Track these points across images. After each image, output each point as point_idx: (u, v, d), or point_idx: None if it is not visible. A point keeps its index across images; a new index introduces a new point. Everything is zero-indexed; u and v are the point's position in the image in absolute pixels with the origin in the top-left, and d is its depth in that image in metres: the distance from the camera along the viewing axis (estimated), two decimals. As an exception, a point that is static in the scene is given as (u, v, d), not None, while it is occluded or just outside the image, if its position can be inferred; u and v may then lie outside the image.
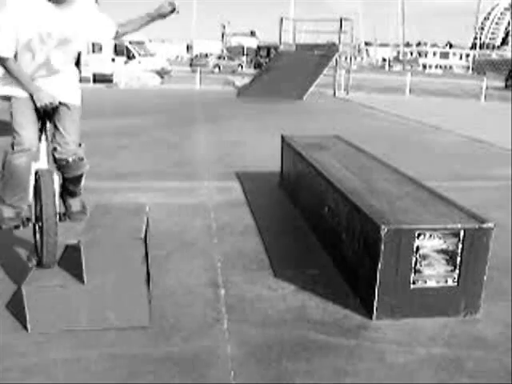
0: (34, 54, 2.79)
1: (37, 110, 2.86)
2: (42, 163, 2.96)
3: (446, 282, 2.98)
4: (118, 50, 24.57)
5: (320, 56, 19.14)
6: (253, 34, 70.98)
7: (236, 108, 14.80)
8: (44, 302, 2.73)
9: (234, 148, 8.40)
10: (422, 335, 2.83)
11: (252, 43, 57.29)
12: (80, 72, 23.58)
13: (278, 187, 5.89)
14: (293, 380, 2.43)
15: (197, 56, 45.92)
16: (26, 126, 2.83)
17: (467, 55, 61.90)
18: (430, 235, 2.90)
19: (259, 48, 47.31)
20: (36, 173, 2.90)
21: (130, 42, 24.79)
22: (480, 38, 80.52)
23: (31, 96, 2.82)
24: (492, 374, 2.52)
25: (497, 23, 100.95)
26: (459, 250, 2.94)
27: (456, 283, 2.99)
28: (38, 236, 3.01)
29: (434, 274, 2.96)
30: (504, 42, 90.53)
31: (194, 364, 2.52)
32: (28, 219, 3.04)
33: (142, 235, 2.79)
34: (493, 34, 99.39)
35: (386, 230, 2.85)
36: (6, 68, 2.78)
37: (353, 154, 5.00)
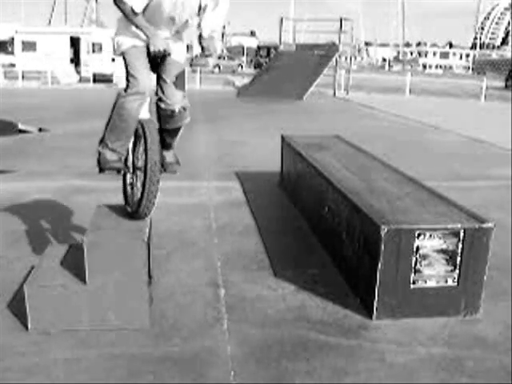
0: (162, 15, 2.87)
1: (149, 58, 2.91)
2: (144, 113, 3.00)
3: (446, 281, 2.98)
4: (118, 50, 24.54)
5: (320, 56, 19.14)
6: (253, 34, 70.97)
7: (236, 108, 14.80)
8: (45, 302, 2.73)
9: (234, 148, 8.39)
10: (422, 335, 2.83)
11: (252, 43, 57.28)
12: (80, 72, 23.69)
13: (278, 187, 5.89)
14: (293, 380, 2.43)
15: (197, 56, 45.85)
16: (142, 71, 2.88)
17: (467, 55, 61.87)
18: (430, 235, 2.90)
19: (259, 48, 47.34)
20: (141, 122, 2.97)
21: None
22: (480, 38, 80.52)
23: (146, 45, 2.86)
24: (492, 374, 2.52)
25: (497, 23, 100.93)
26: (459, 250, 2.95)
27: (456, 283, 2.99)
28: (132, 186, 3.13)
29: (434, 274, 2.96)
30: (504, 41, 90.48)
31: (194, 364, 2.52)
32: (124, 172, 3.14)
33: (145, 236, 2.79)
34: (493, 34, 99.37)
35: (386, 230, 2.85)
36: (128, 16, 2.82)
37: (353, 154, 5.00)
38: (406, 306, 2.98)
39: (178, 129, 3.16)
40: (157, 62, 2.95)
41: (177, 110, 3.04)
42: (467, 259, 2.96)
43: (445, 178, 6.37)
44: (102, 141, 3.08)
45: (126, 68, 2.92)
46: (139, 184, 3.03)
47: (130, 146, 3.11)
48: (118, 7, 2.82)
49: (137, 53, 2.90)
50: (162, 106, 3.04)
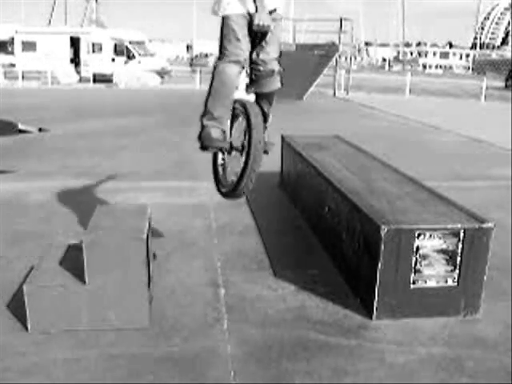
0: None
1: (249, 29, 2.91)
2: (244, 95, 3.08)
3: (446, 281, 2.98)
4: (117, 50, 24.60)
5: (320, 56, 19.12)
6: (253, 34, 70.79)
7: (236, 108, 14.77)
8: (45, 302, 2.73)
9: (234, 148, 8.38)
10: (422, 335, 2.83)
11: (252, 43, 57.13)
12: (80, 72, 23.69)
13: (278, 187, 5.89)
14: (293, 380, 2.43)
15: (197, 56, 45.91)
16: (242, 40, 2.91)
17: (467, 55, 61.85)
18: (430, 235, 2.90)
19: (259, 48, 47.20)
20: (235, 101, 3.01)
21: (130, 42, 24.81)
22: (480, 38, 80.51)
23: (249, 16, 2.87)
24: (492, 374, 2.52)
25: (497, 23, 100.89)
26: (459, 250, 2.95)
27: (456, 283, 2.99)
28: (224, 167, 3.17)
29: (434, 274, 2.96)
30: (504, 41, 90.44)
31: (194, 364, 2.52)
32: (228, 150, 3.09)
33: (144, 236, 2.79)
34: (493, 34, 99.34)
35: (386, 230, 2.85)
36: None
37: (353, 154, 5.00)
38: (406, 305, 2.98)
39: (273, 94, 3.18)
40: (256, 35, 2.95)
41: (276, 70, 3.09)
42: (467, 259, 2.96)
43: (445, 178, 6.36)
44: (204, 113, 3.04)
45: (225, 34, 2.92)
46: (234, 164, 3.05)
47: (228, 123, 3.09)
48: None
49: (242, 22, 2.90)
50: (261, 68, 3.06)
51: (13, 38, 24.55)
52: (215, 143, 3.00)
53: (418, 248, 2.91)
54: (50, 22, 41.14)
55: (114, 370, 2.45)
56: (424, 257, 2.93)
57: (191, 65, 41.15)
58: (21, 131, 9.01)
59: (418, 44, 78.69)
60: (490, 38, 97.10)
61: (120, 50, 24.58)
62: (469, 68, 57.19)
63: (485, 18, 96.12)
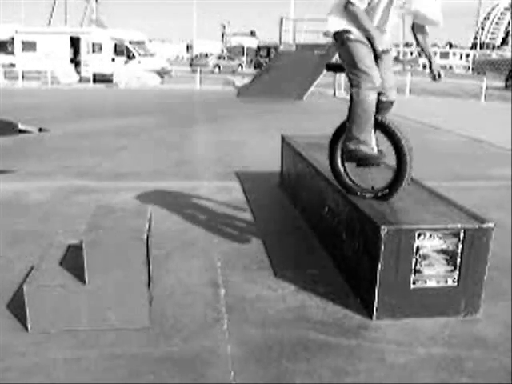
0: (376, 12, 3.14)
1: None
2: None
3: (446, 282, 2.98)
4: (117, 50, 24.60)
5: (320, 56, 19.12)
6: (253, 34, 70.90)
7: (236, 108, 14.80)
8: (45, 302, 2.73)
9: (234, 148, 8.39)
10: (422, 335, 2.83)
11: (252, 43, 57.22)
12: (80, 72, 23.70)
13: (278, 187, 5.89)
14: (293, 380, 2.43)
15: (197, 56, 45.87)
16: (373, 67, 3.13)
17: (467, 55, 61.79)
18: (430, 235, 2.90)
19: (259, 48, 47.29)
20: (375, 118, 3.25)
21: (130, 42, 24.82)
22: (480, 38, 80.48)
23: (369, 40, 3.10)
24: (492, 373, 2.52)
25: (497, 23, 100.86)
26: (459, 250, 2.94)
27: (456, 283, 2.99)
28: (347, 175, 3.53)
29: (434, 274, 2.96)
30: (504, 41, 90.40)
31: (194, 364, 2.52)
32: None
33: (144, 236, 2.79)
34: (493, 34, 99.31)
35: (386, 230, 2.85)
36: (352, 13, 3.09)
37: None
38: (406, 305, 2.98)
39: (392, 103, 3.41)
40: (378, 57, 3.15)
41: (394, 101, 3.35)
42: (467, 259, 2.96)
43: (445, 178, 6.36)
44: (349, 139, 3.32)
45: (355, 62, 3.14)
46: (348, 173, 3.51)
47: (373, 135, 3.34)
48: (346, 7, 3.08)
49: (365, 49, 3.13)
50: (383, 98, 3.29)
51: (13, 38, 24.55)
52: (370, 161, 3.33)
53: (418, 248, 2.91)
54: (50, 21, 41.10)
55: (114, 370, 2.45)
56: (424, 257, 2.93)
57: (191, 65, 41.13)
58: (21, 131, 9.01)
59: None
60: (490, 38, 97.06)
61: (120, 50, 24.59)
62: (469, 68, 57.15)
63: (485, 18, 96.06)
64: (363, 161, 3.35)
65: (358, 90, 3.16)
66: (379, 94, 3.24)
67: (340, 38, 3.21)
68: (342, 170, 3.62)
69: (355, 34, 3.14)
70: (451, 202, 3.39)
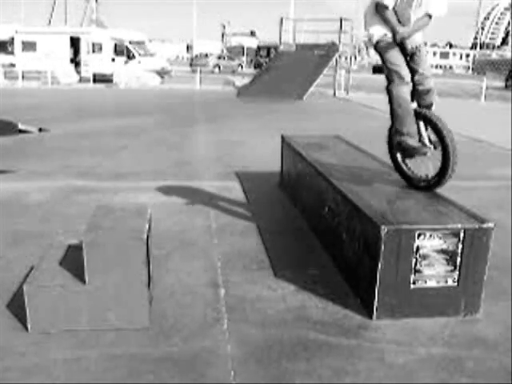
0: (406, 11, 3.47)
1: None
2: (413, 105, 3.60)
3: (446, 282, 2.98)
4: (117, 50, 24.60)
5: (320, 56, 19.13)
6: (253, 34, 70.90)
7: (236, 108, 14.80)
8: (45, 302, 2.73)
9: (234, 148, 8.39)
10: (422, 335, 2.83)
11: (252, 43, 57.21)
12: (80, 72, 23.70)
13: (278, 187, 5.89)
14: (293, 380, 2.43)
15: (197, 56, 45.87)
16: (403, 65, 3.50)
17: (467, 55, 61.78)
18: (430, 235, 2.90)
19: (259, 48, 47.26)
20: (414, 110, 3.56)
21: (130, 42, 24.82)
22: (480, 38, 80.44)
23: (394, 40, 3.45)
24: (492, 374, 2.52)
25: (497, 23, 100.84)
26: (459, 250, 2.94)
27: (456, 283, 2.99)
28: (406, 164, 3.74)
29: (434, 274, 2.96)
30: (504, 41, 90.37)
31: (194, 364, 2.52)
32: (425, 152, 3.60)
33: (144, 236, 2.79)
34: (493, 34, 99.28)
35: (386, 230, 2.85)
36: (383, 15, 3.47)
37: (353, 154, 5.00)
38: (406, 305, 2.98)
39: (431, 105, 3.67)
40: (408, 53, 3.50)
41: (433, 87, 3.63)
42: (467, 259, 2.96)
43: (445, 178, 6.35)
44: (395, 133, 3.68)
45: (387, 63, 3.53)
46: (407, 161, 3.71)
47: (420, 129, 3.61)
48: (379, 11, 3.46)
49: (395, 50, 3.51)
50: (420, 87, 3.59)
51: (13, 38, 24.55)
52: (419, 151, 3.57)
53: (418, 248, 2.91)
54: (50, 21, 41.13)
55: (114, 370, 2.45)
56: (424, 257, 2.93)
57: (191, 65, 41.14)
58: (21, 131, 9.01)
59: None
60: (490, 38, 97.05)
61: (120, 50, 24.58)
62: (469, 68, 57.14)
63: (485, 18, 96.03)
64: (408, 151, 3.63)
65: (392, 88, 3.52)
66: (416, 84, 3.57)
67: (378, 43, 3.59)
68: (401, 161, 3.82)
69: (387, 37, 3.51)
70: (451, 202, 3.39)
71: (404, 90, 3.51)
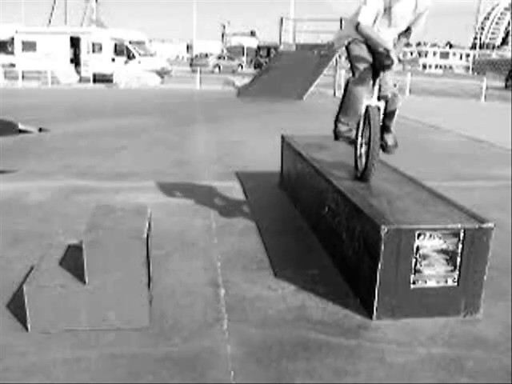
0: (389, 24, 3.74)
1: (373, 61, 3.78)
2: (374, 101, 3.79)
3: (446, 282, 2.98)
4: (117, 50, 24.61)
5: (320, 56, 19.12)
6: (253, 34, 70.92)
7: (236, 108, 14.80)
8: (45, 302, 2.73)
9: (234, 148, 8.40)
10: (422, 335, 2.83)
11: (252, 43, 57.24)
12: (80, 72, 23.71)
13: (278, 187, 5.89)
14: (293, 380, 2.43)
15: (197, 56, 45.90)
16: (367, 66, 3.78)
17: (467, 55, 61.82)
18: (430, 235, 2.90)
19: (259, 48, 47.30)
20: (367, 107, 3.75)
21: (130, 42, 24.82)
22: (480, 38, 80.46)
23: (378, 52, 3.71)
24: (492, 374, 2.52)
25: (497, 23, 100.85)
26: (459, 250, 2.94)
27: (456, 283, 2.99)
28: (361, 155, 3.93)
29: (434, 274, 2.96)
30: (504, 41, 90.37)
31: (194, 364, 2.52)
32: (353, 141, 4.03)
33: (144, 236, 2.79)
34: (493, 34, 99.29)
35: (385, 230, 2.85)
36: (363, 32, 3.66)
37: (353, 154, 4.99)
38: (406, 305, 2.98)
39: (394, 112, 3.94)
40: (384, 66, 3.70)
41: (390, 96, 3.83)
42: (467, 259, 2.96)
43: (445, 178, 6.37)
44: (336, 119, 4.09)
45: (353, 61, 3.85)
46: (364, 156, 3.85)
47: (361, 125, 3.89)
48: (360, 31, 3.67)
49: (361, 50, 3.81)
50: (380, 94, 3.81)
51: (13, 38, 24.56)
52: (342, 134, 4.07)
53: (418, 248, 2.91)
54: (50, 21, 41.13)
55: (114, 370, 2.45)
56: (424, 257, 2.93)
57: (191, 65, 41.16)
58: (21, 131, 9.02)
59: (418, 44, 78.68)
60: (490, 38, 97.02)
61: (120, 50, 24.60)
62: (469, 68, 57.14)
63: (485, 18, 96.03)
64: (337, 135, 4.14)
65: (350, 82, 3.88)
66: (379, 89, 3.82)
67: (350, 44, 3.91)
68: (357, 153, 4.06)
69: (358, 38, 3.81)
70: (451, 201, 3.39)
71: (358, 89, 3.81)
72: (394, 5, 3.63)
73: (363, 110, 3.80)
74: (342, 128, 4.04)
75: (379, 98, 3.81)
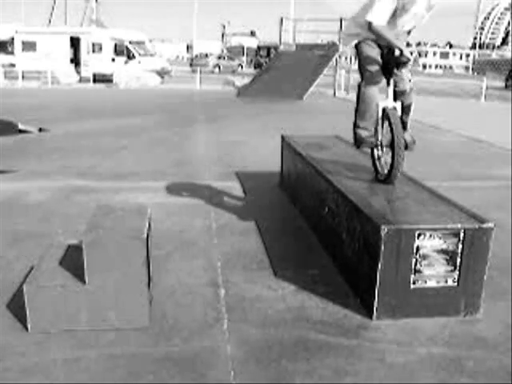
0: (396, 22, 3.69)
1: (385, 58, 3.73)
2: (390, 102, 3.75)
3: (446, 282, 2.98)
4: (117, 50, 24.63)
5: (320, 56, 19.12)
6: (253, 34, 70.94)
7: (236, 108, 14.80)
8: (45, 302, 2.73)
9: (234, 148, 8.39)
10: (422, 335, 2.83)
11: (252, 43, 57.25)
12: (80, 72, 23.71)
13: (278, 187, 5.89)
14: (293, 380, 2.43)
15: (197, 56, 45.90)
16: (377, 66, 3.75)
17: (467, 55, 61.82)
18: (430, 235, 2.90)
19: (259, 48, 47.32)
20: (384, 109, 3.73)
21: (130, 42, 24.83)
22: (480, 38, 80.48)
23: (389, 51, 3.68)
24: (492, 373, 2.52)
25: (497, 23, 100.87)
26: (459, 250, 2.94)
27: (456, 283, 2.99)
28: (381, 158, 3.93)
29: (434, 274, 2.96)
30: (504, 41, 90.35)
31: (194, 364, 2.52)
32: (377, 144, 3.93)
33: (144, 236, 2.79)
34: (493, 34, 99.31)
35: (385, 230, 2.85)
36: (377, 32, 3.63)
37: (353, 154, 5.00)
38: (406, 305, 2.98)
39: (409, 106, 3.92)
40: (399, 62, 3.66)
41: (408, 89, 3.85)
42: (467, 259, 2.96)
43: (445, 178, 6.36)
44: (354, 125, 3.98)
45: (363, 63, 3.82)
46: (388, 158, 3.78)
47: (379, 128, 3.85)
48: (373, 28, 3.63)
49: (374, 52, 3.77)
50: (396, 89, 3.81)
51: (13, 38, 24.56)
52: (365, 140, 3.92)
53: (418, 248, 2.91)
54: (50, 21, 41.11)
55: (114, 370, 2.45)
56: (424, 257, 2.93)
57: (191, 65, 41.17)
58: (21, 131, 9.02)
59: (418, 44, 78.71)
60: (490, 38, 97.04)
61: (120, 50, 24.62)
62: (469, 68, 57.14)
63: (485, 18, 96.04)
64: (358, 141, 3.99)
65: (361, 85, 3.86)
66: (395, 85, 3.80)
67: (360, 43, 3.87)
68: (375, 156, 4.07)
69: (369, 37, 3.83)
70: (451, 201, 3.39)
71: (371, 91, 3.80)
72: (410, 8, 3.60)
73: (380, 112, 3.77)
74: (364, 133, 3.92)
75: (396, 95, 3.77)
